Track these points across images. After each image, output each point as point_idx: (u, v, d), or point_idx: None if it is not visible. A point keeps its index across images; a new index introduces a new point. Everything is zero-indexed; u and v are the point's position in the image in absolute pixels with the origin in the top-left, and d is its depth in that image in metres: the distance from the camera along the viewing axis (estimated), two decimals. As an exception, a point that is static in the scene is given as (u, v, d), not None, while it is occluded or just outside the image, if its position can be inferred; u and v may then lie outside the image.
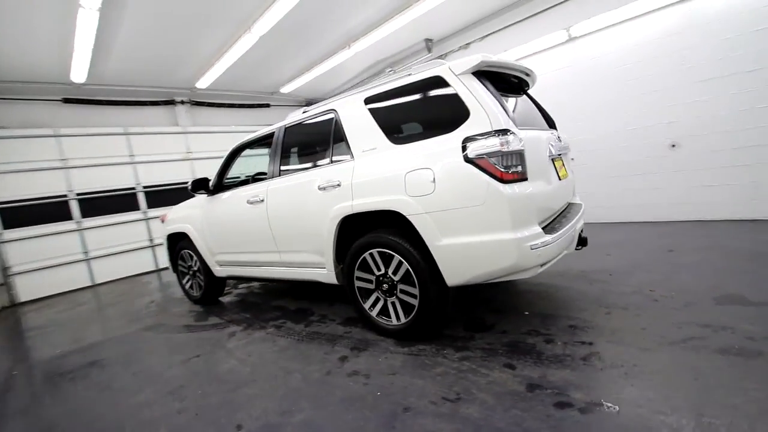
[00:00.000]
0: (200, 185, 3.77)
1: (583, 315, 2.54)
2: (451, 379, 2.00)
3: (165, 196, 7.40)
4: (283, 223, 3.08)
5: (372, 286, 2.64)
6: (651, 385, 1.73)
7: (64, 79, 5.90)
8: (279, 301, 3.93)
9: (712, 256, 3.34)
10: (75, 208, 6.43)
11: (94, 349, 3.32)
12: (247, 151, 3.90)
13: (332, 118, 2.86)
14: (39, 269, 6.07)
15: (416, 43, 6.76)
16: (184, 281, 4.43)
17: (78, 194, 6.46)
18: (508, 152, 2.01)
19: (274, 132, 3.33)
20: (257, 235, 3.32)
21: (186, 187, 7.89)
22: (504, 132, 2.05)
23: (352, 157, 2.64)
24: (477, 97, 2.14)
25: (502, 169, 2.01)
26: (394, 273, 2.49)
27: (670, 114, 4.63)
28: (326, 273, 2.91)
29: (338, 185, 2.63)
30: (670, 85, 4.58)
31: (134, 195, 7.08)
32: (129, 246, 6.95)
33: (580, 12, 5.13)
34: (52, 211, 6.20)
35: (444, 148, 2.17)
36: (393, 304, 2.56)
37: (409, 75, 2.52)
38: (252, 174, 4.29)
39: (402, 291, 2.49)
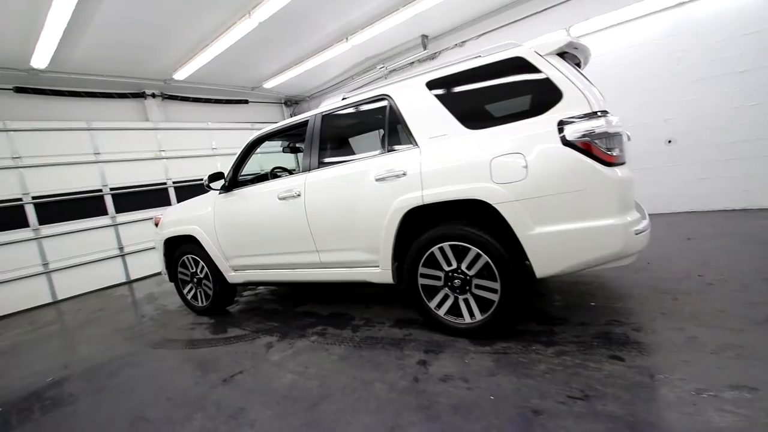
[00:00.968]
0: (217, 179, 3.36)
1: (652, 302, 2.54)
2: (563, 376, 1.87)
3: (136, 198, 6.66)
4: (326, 220, 2.80)
5: (439, 283, 2.46)
6: (774, 365, 1.72)
7: (22, 64, 5.08)
8: (304, 307, 3.60)
9: (729, 242, 3.53)
10: (31, 213, 5.55)
11: (97, 373, 2.81)
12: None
13: (385, 104, 2.65)
14: (-14, 286, 5.16)
15: (412, 38, 6.67)
16: (186, 290, 3.95)
17: (34, 197, 5.59)
18: (610, 134, 1.93)
19: (308, 120, 3.04)
20: (290, 234, 3.00)
21: (157, 188, 7.26)
22: (604, 113, 1.97)
23: (416, 144, 2.45)
24: (571, 78, 2.05)
25: (606, 152, 1.93)
26: (469, 267, 2.33)
27: (666, 112, 4.91)
28: (379, 272, 2.68)
29: (403, 175, 2.43)
30: (666, 85, 4.86)
31: (101, 198, 6.28)
32: (96, 256, 6.15)
33: (579, 13, 5.31)
34: (3, 218, 5.31)
35: (536, 131, 2.06)
36: (465, 301, 2.39)
37: (478, 57, 2.38)
38: (265, 171, 3.93)
39: (477, 286, 2.33)
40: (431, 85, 2.47)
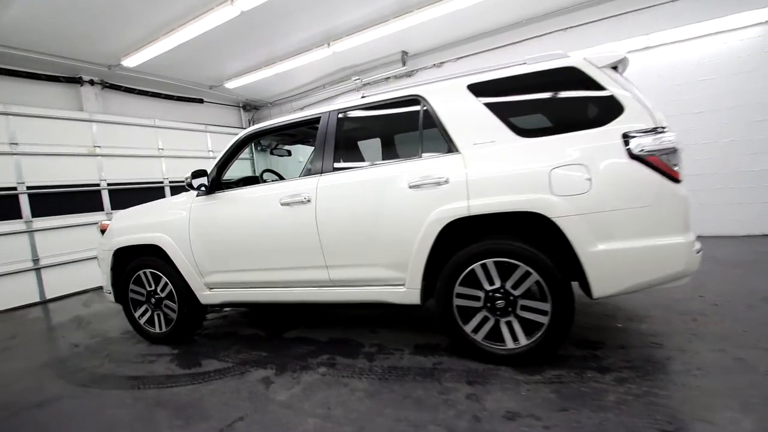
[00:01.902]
0: (200, 177, 2.81)
1: (676, 323, 2.55)
2: (639, 407, 1.71)
3: (60, 200, 5.55)
4: (342, 230, 2.43)
5: (478, 305, 2.21)
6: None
7: None
8: (293, 332, 3.11)
9: (710, 265, 3.79)
10: None
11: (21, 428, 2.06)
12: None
13: (417, 106, 2.41)
14: None
15: (392, 53, 6.59)
16: (139, 313, 3.22)
17: None
18: (676, 150, 1.89)
19: (320, 117, 2.68)
20: (294, 247, 2.57)
21: (88, 190, 6.12)
22: (663, 128, 1.93)
23: (456, 150, 2.23)
24: (632, 91, 1.99)
25: (673, 168, 1.88)
26: (515, 287, 2.12)
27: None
28: (403, 291, 2.36)
29: (444, 182, 2.18)
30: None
31: (15, 198, 5.11)
32: (3, 269, 4.92)
33: (557, 45, 5.64)
34: None
35: (600, 143, 1.95)
36: (508, 324, 2.17)
37: (524, 64, 2.27)
38: (245, 176, 3.42)
39: (524, 308, 2.13)
40: (474, 89, 2.29)
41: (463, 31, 6.06)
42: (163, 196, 7.05)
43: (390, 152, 2.60)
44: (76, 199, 5.76)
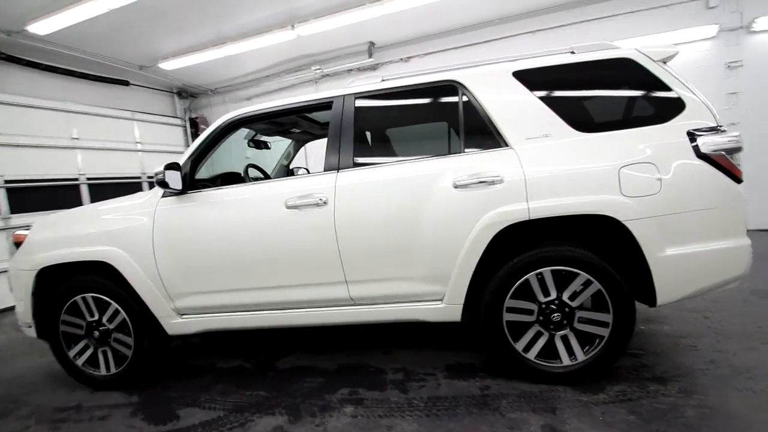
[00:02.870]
0: (174, 170, 2.16)
1: (692, 323, 2.60)
2: (723, 421, 1.60)
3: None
4: (368, 238, 2.03)
5: (530, 319, 1.98)
6: None
7: None
8: (288, 360, 2.60)
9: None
10: None
11: None
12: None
13: (455, 93, 2.09)
14: None
15: (359, 44, 6.16)
16: (74, 352, 2.45)
17: None
18: (739, 148, 1.83)
19: (331, 102, 2.23)
20: (305, 259, 2.10)
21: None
22: (722, 127, 1.86)
23: (506, 145, 1.97)
24: (691, 87, 1.90)
25: (737, 168, 1.81)
26: (572, 297, 1.93)
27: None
28: (441, 308, 2.05)
29: (498, 181, 1.89)
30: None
31: None
32: None
33: (527, 49, 5.72)
34: None
35: (667, 140, 1.83)
36: (564, 338, 1.97)
37: (572, 53, 2.08)
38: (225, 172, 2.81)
39: (582, 320, 1.94)
40: (521, 77, 2.04)
41: (432, 26, 5.87)
42: (78, 195, 5.81)
43: (420, 145, 2.24)
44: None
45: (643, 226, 1.78)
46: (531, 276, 1.93)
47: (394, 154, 2.30)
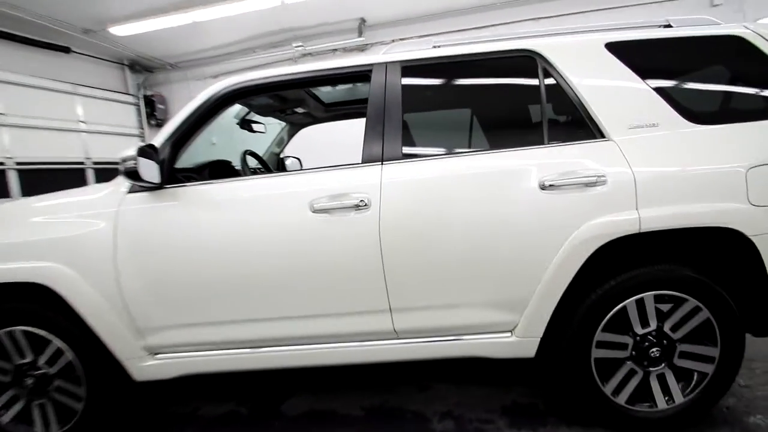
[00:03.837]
0: (148, 157, 1.52)
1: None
2: None
3: None
4: (424, 250, 1.55)
5: (623, 355, 1.60)
6: None
7: None
8: (295, 403, 2.04)
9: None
10: None
11: None
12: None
13: (536, 67, 1.63)
14: None
15: (349, 19, 5.53)
16: (-5, 406, 1.75)
17: None
18: None
19: (369, 71, 1.69)
20: (336, 280, 1.58)
21: None
22: None
23: (604, 135, 1.55)
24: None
25: None
26: (675, 329, 1.56)
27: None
28: (511, 342, 1.62)
29: (600, 182, 1.47)
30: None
31: None
32: None
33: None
34: None
35: (798, 136, 1.49)
36: (660, 377, 1.60)
37: (669, 26, 1.70)
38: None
39: (683, 354, 1.58)
40: (615, 50, 1.62)
41: (429, 5, 5.39)
42: (4, 185, 4.76)
43: (487, 134, 1.77)
44: None
45: (773, 242, 1.44)
46: (630, 303, 1.54)
47: (453, 145, 1.81)
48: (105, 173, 5.94)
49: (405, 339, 1.66)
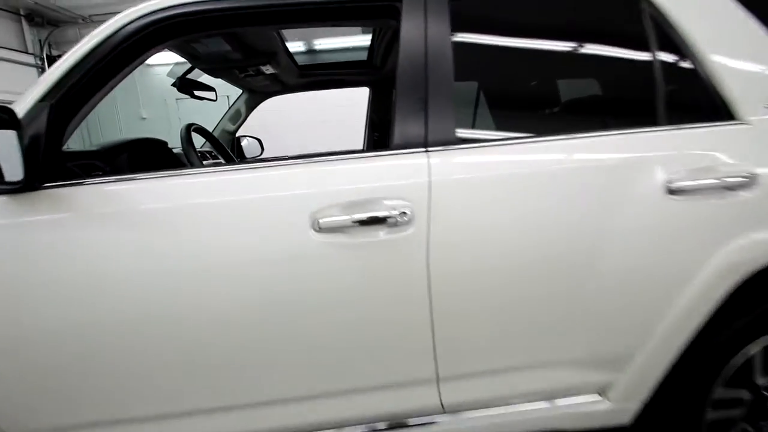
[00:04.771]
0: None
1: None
2: None
3: None
4: (495, 289, 1.00)
5: (737, 413, 1.20)
6: None
7: None
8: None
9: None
10: None
11: None
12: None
13: (641, 15, 1.13)
14: None
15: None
16: None
17: None
18: None
19: (396, 7, 1.06)
20: (356, 339, 0.99)
21: None
22: None
23: (730, 115, 1.09)
24: None
25: None
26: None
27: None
28: (602, 410, 1.15)
29: (747, 183, 1.01)
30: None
31: None
32: None
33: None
34: None
35: None
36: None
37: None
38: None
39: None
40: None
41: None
42: None
43: (577, 111, 1.23)
44: None
45: None
46: (758, 351, 1.13)
47: (528, 126, 1.24)
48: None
49: (453, 415, 1.11)
